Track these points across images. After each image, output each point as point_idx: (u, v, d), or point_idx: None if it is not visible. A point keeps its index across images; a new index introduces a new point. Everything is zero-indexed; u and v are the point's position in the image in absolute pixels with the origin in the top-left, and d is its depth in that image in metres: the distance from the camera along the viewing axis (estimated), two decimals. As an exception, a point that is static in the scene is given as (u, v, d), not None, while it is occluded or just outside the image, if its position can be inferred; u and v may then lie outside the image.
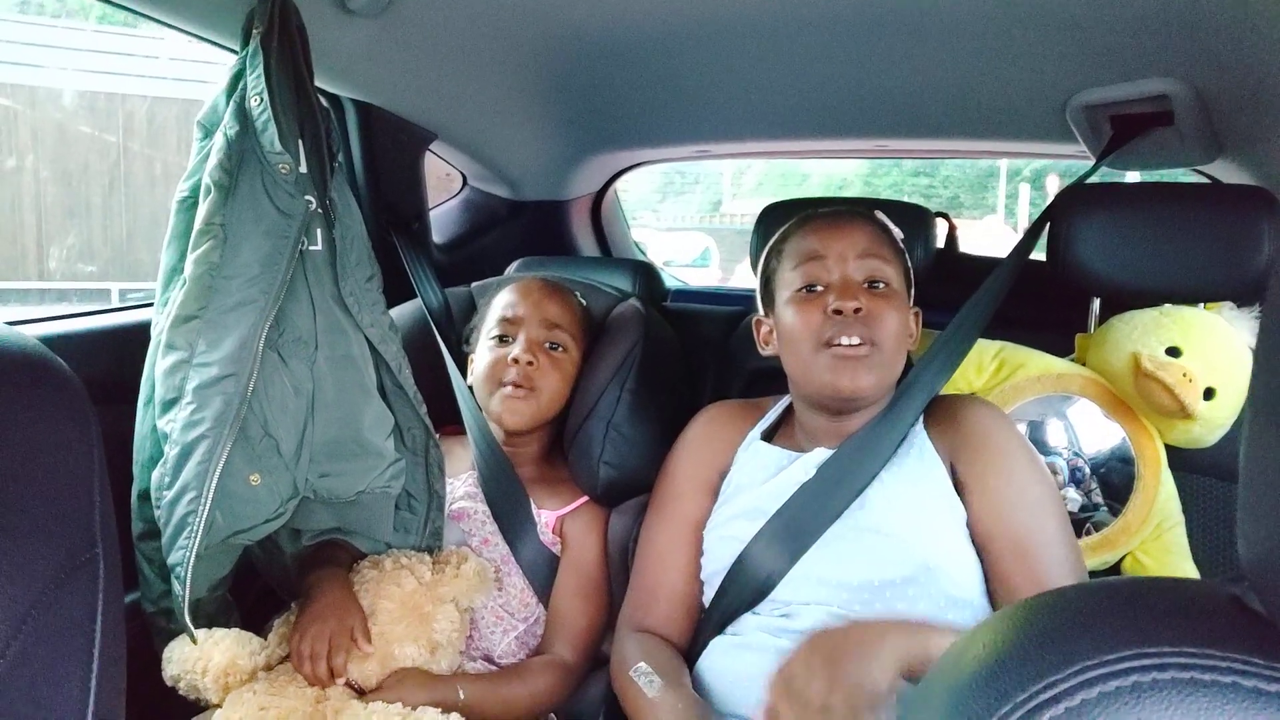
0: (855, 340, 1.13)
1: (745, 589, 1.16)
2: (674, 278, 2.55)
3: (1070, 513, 1.29)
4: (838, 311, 1.14)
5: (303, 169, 1.14)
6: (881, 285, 1.17)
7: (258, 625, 1.24)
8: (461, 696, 1.19)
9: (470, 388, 1.48)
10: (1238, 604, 0.38)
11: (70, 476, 0.56)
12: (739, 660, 1.13)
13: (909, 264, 1.26)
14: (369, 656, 1.17)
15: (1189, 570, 1.30)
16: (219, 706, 1.10)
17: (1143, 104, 1.46)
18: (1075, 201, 1.37)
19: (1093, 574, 1.29)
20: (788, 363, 1.21)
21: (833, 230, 1.20)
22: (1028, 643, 0.38)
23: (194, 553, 1.04)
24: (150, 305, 1.22)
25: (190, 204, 1.16)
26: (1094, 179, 1.47)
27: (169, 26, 1.28)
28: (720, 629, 1.18)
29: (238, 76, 1.15)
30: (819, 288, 1.18)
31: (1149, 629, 0.37)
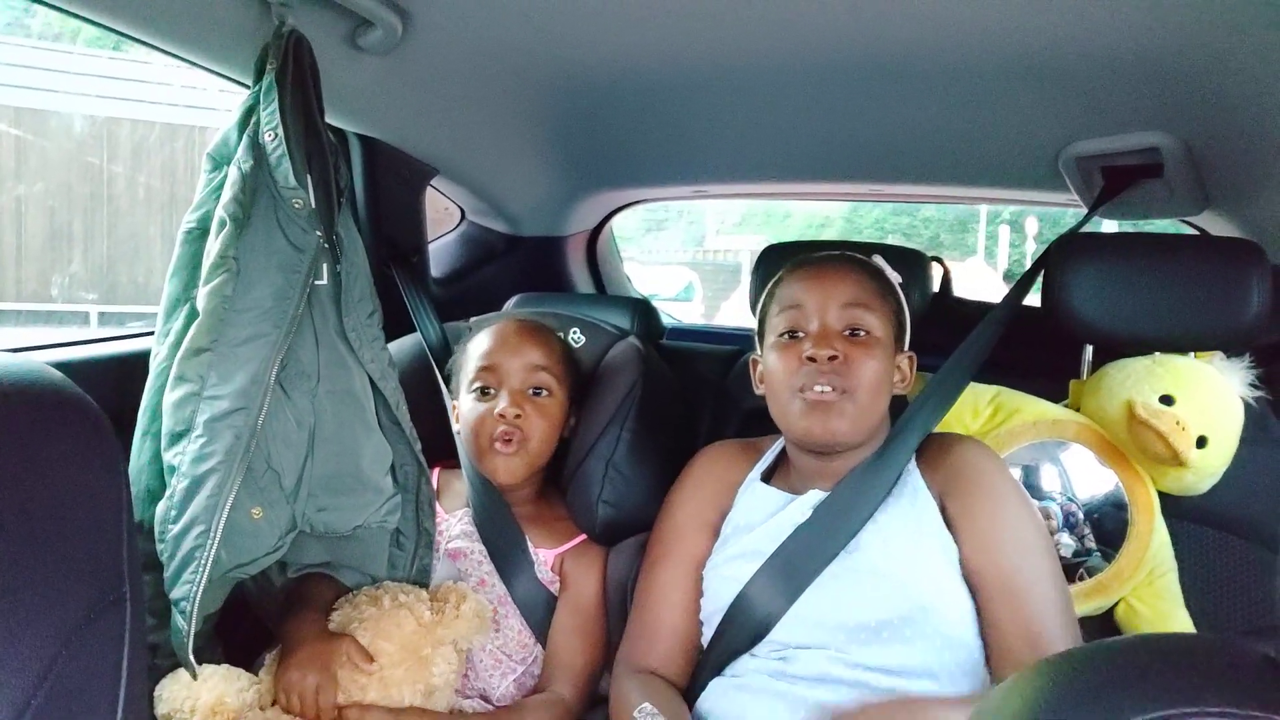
0: (826, 388, 1.15)
1: (744, 629, 1.16)
2: (668, 314, 2.57)
3: (1063, 558, 1.31)
4: (812, 359, 1.16)
5: (313, 204, 1.15)
6: (863, 333, 1.19)
7: (248, 660, 1.23)
8: None
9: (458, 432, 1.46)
10: (1271, 664, 0.39)
11: (101, 516, 0.56)
12: (737, 702, 1.13)
13: (904, 309, 1.28)
14: (369, 697, 1.15)
15: (1182, 617, 1.31)
16: None
17: (1134, 156, 1.50)
18: (1069, 251, 1.40)
19: (1086, 620, 1.30)
20: (770, 405, 1.24)
21: (817, 278, 1.23)
22: (1070, 698, 0.39)
23: (200, 587, 1.03)
24: (149, 335, 1.21)
25: (197, 235, 1.16)
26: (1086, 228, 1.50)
27: (182, 60, 1.29)
28: (719, 670, 1.18)
29: (250, 111, 1.16)
30: (800, 334, 1.20)
31: (1191, 688, 0.37)
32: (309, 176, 1.15)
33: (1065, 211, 1.99)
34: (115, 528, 0.56)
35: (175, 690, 1.12)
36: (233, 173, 1.12)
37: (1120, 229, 1.91)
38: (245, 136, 1.15)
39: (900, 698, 1.07)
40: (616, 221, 2.43)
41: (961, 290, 1.96)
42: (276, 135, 1.12)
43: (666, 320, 2.37)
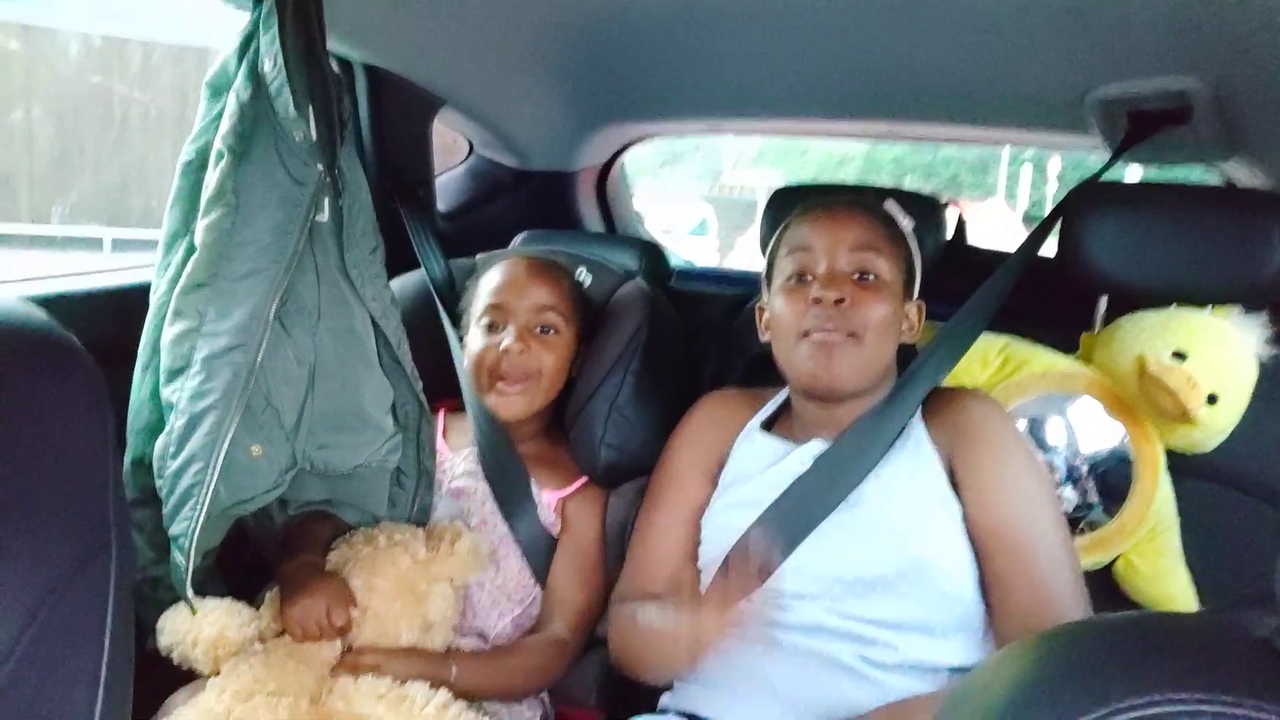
0: (832, 331, 1.14)
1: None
2: (676, 255, 2.53)
3: (1065, 512, 1.30)
4: (818, 301, 1.14)
5: (314, 136, 1.12)
6: (871, 277, 1.17)
7: (250, 594, 1.24)
8: (454, 674, 1.19)
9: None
10: (1267, 649, 0.38)
11: (87, 463, 0.55)
12: (732, 649, 1.14)
13: (914, 256, 1.26)
14: (364, 634, 1.17)
15: (1181, 574, 1.31)
16: (211, 675, 1.11)
17: (1161, 100, 1.45)
18: (1088, 198, 1.36)
19: (1085, 574, 1.30)
20: (775, 351, 1.23)
21: (827, 221, 1.20)
22: (1056, 678, 0.38)
23: (199, 524, 1.04)
24: (149, 267, 1.20)
25: (196, 166, 1.14)
26: (1107, 176, 1.46)
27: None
28: (715, 617, 1.19)
29: (249, 38, 1.12)
30: (808, 277, 1.19)
31: (1181, 672, 0.36)
32: (310, 107, 1.12)
33: (1092, 152, 1.94)
34: (101, 472, 0.56)
35: (177, 623, 1.14)
36: (231, 102, 1.09)
37: (1145, 178, 1.86)
38: (244, 64, 1.11)
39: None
40: (630, 155, 2.38)
41: (979, 232, 1.92)
42: (276, 63, 1.09)
43: (676, 261, 2.35)
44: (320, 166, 1.12)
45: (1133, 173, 2.17)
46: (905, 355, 1.25)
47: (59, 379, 0.56)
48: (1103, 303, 1.44)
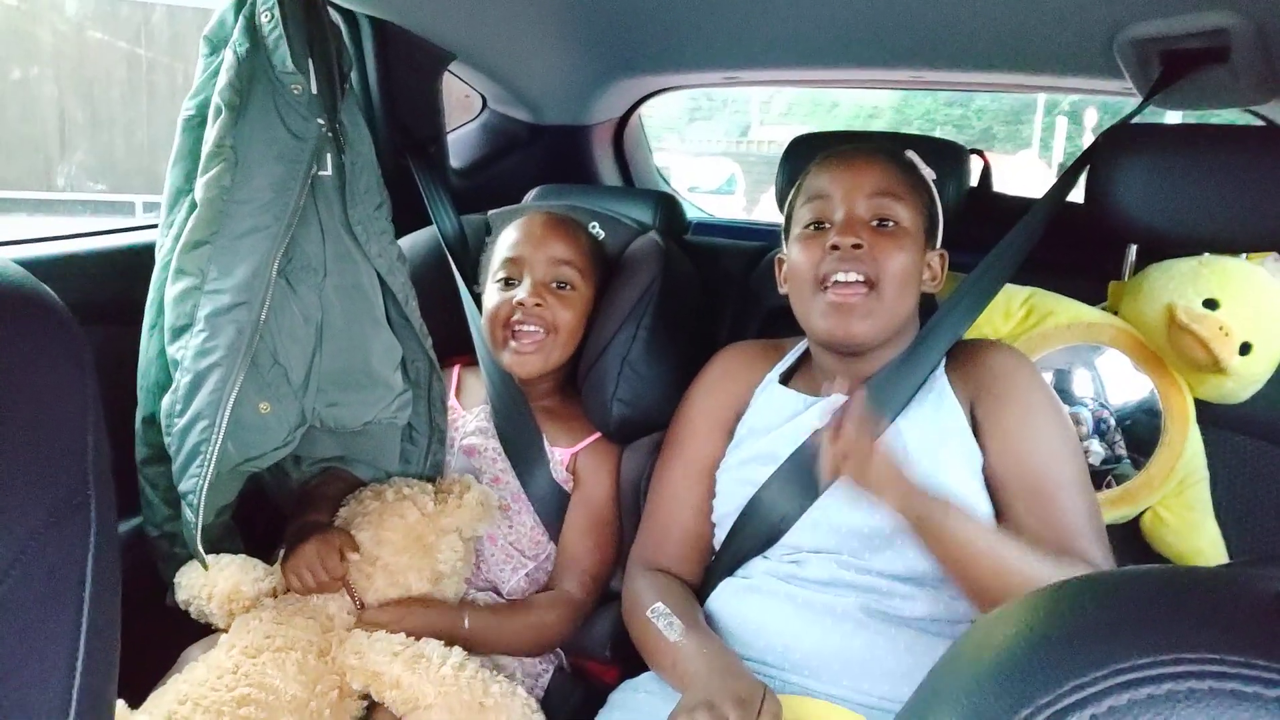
0: (851, 276, 1.11)
1: (757, 532, 1.15)
2: (696, 207, 2.49)
3: (1091, 465, 1.27)
4: (835, 248, 1.12)
5: (314, 90, 1.10)
6: (890, 224, 1.14)
7: (267, 550, 1.25)
8: (466, 623, 1.19)
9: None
10: None
11: (63, 417, 0.54)
12: (747, 603, 1.13)
13: (936, 205, 1.22)
14: (375, 586, 1.17)
15: (1210, 528, 1.27)
16: (225, 630, 1.12)
17: (1197, 39, 1.38)
18: (1117, 143, 1.31)
19: (1111, 529, 1.27)
20: (793, 302, 1.20)
21: (845, 168, 1.17)
22: (1055, 638, 0.36)
23: (207, 481, 1.04)
24: (156, 226, 1.19)
25: (197, 123, 1.12)
26: (1138, 119, 1.40)
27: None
28: (731, 571, 1.18)
29: (247, -9, 1.11)
30: (826, 225, 1.16)
31: (1188, 630, 0.34)
32: (309, 61, 1.10)
33: (1126, 101, 1.87)
34: (79, 430, 0.55)
35: (193, 578, 1.15)
36: (228, 57, 1.08)
37: (1184, 121, 1.79)
38: (241, 18, 1.10)
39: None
40: (658, 109, 2.33)
41: (1008, 184, 1.86)
42: (273, 16, 1.07)
43: (695, 214, 2.31)
44: (320, 121, 1.10)
45: (1172, 120, 2.09)
46: (927, 307, 1.21)
47: (32, 332, 0.54)
48: (1132, 251, 1.39)
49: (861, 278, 1.11)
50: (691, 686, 0.98)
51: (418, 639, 1.13)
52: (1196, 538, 1.28)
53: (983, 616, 0.41)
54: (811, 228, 1.17)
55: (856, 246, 1.11)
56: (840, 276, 1.12)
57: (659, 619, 1.11)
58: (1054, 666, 0.34)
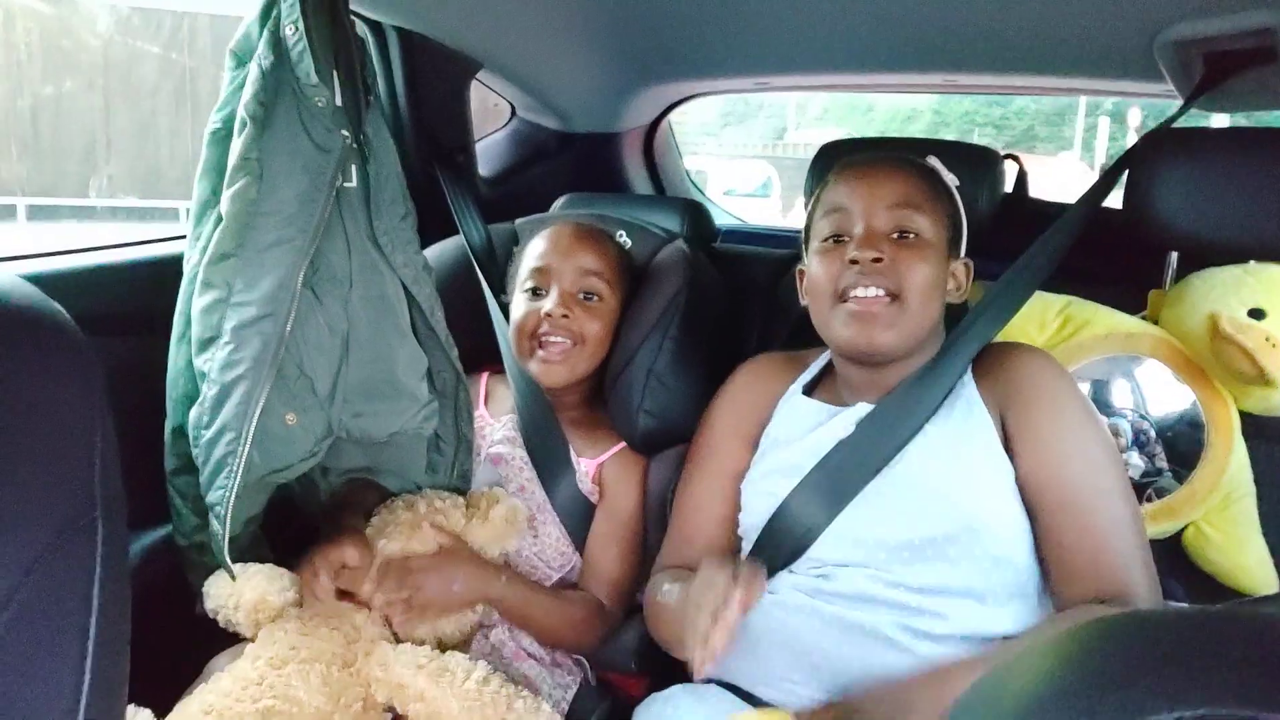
0: (872, 292, 1.09)
1: (782, 545, 1.14)
2: (728, 213, 2.47)
3: (1130, 478, 1.23)
4: (855, 261, 1.10)
5: (338, 102, 1.10)
6: (911, 236, 1.12)
7: (296, 560, 1.26)
8: (503, 582, 1.23)
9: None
10: None
11: (70, 437, 0.54)
12: (772, 619, 1.11)
13: (960, 212, 1.20)
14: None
15: (1258, 545, 1.23)
16: (253, 640, 1.12)
17: (1242, 39, 1.34)
18: (1158, 147, 1.27)
19: (1152, 544, 1.23)
20: (813, 315, 1.18)
21: (864, 179, 1.15)
22: (1076, 685, 0.34)
23: (234, 492, 1.04)
24: (184, 238, 1.20)
25: (223, 135, 1.13)
26: (1180, 122, 1.36)
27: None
28: (756, 585, 1.16)
29: (271, 3, 1.11)
30: (845, 238, 1.14)
31: (1223, 682, 0.32)
32: (334, 73, 1.10)
33: (1171, 103, 1.82)
34: (87, 450, 0.55)
35: (220, 588, 1.16)
36: (253, 70, 1.08)
37: (1232, 124, 1.74)
38: (266, 31, 1.10)
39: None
40: (693, 114, 2.33)
41: (1046, 187, 1.83)
42: (298, 29, 1.08)
43: (725, 220, 2.29)
44: (345, 133, 1.10)
45: (1219, 123, 2.03)
46: (955, 315, 1.19)
47: (40, 351, 0.54)
48: (1173, 258, 1.35)
49: (883, 291, 1.10)
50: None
51: (443, 651, 1.12)
52: (1242, 554, 1.23)
53: (998, 662, 0.39)
54: (830, 241, 1.16)
55: (877, 260, 1.09)
56: (860, 292, 1.10)
57: (669, 597, 1.10)
58: (1070, 715, 0.33)
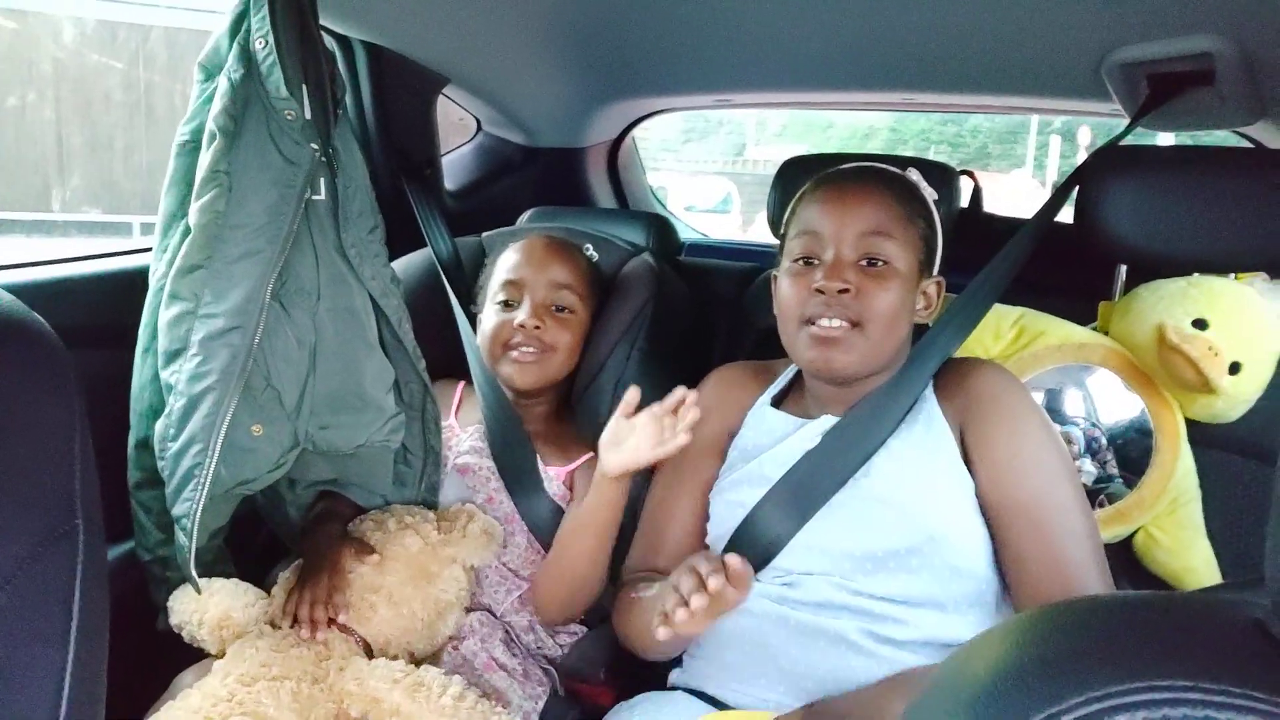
0: (836, 323, 1.11)
1: (749, 555, 1.14)
2: (690, 227, 2.50)
3: (1084, 485, 1.27)
4: (821, 291, 1.11)
5: (307, 115, 1.11)
6: (880, 263, 1.13)
7: (260, 574, 1.25)
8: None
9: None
10: (1261, 631, 0.35)
11: (50, 446, 0.54)
12: (739, 624, 1.12)
13: (935, 228, 1.21)
14: (378, 615, 1.17)
15: (1203, 547, 1.28)
16: (218, 656, 1.11)
17: (1183, 62, 1.39)
18: (1107, 164, 1.32)
19: (1104, 547, 1.27)
20: (780, 332, 1.19)
21: (837, 203, 1.15)
22: (1032, 666, 0.36)
23: (200, 505, 1.04)
24: (149, 251, 1.20)
25: (191, 148, 1.13)
26: (1128, 141, 1.41)
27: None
28: (723, 593, 1.18)
29: (241, 17, 1.12)
30: (815, 261, 1.15)
31: (1162, 658, 0.34)
32: (303, 87, 1.11)
33: (1120, 122, 1.88)
34: (67, 460, 0.55)
35: (185, 603, 1.15)
36: (222, 83, 1.09)
37: (1177, 142, 1.81)
38: (236, 44, 1.11)
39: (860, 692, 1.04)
40: (654, 130, 2.35)
41: (1000, 205, 1.87)
42: (267, 43, 1.08)
43: (689, 235, 2.32)
44: (314, 146, 1.11)
45: (1164, 141, 2.10)
46: (921, 328, 1.22)
47: (19, 359, 0.54)
48: (1122, 271, 1.40)
49: (845, 321, 1.11)
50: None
51: (417, 666, 1.12)
52: (1189, 556, 1.28)
53: (960, 648, 0.42)
54: (801, 263, 1.16)
55: (843, 291, 1.10)
56: (825, 321, 1.11)
57: (648, 592, 1.11)
58: (1027, 695, 0.35)
